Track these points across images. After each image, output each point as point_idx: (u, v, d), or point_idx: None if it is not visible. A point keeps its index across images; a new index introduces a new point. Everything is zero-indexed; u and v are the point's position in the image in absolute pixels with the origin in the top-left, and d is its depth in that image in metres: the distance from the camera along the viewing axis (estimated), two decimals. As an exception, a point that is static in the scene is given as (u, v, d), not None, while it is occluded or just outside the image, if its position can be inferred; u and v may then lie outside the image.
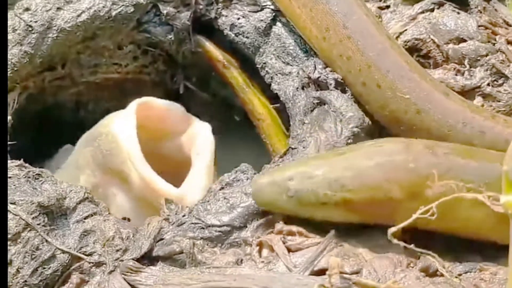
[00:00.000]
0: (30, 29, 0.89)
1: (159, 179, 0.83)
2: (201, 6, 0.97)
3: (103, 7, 0.92)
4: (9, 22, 0.89)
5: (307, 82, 0.87)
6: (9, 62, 0.88)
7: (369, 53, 0.83)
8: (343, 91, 0.85)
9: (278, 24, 0.93)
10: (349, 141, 0.81)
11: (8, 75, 0.88)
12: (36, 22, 0.90)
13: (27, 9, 0.90)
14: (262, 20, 0.94)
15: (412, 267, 0.67)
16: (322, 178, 0.69)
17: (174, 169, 0.90)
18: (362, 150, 0.72)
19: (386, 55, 0.83)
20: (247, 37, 0.95)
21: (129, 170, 0.84)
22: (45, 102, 0.99)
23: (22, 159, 0.78)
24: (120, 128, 0.86)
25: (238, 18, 0.96)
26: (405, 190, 0.67)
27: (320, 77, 0.87)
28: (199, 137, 0.93)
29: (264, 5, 0.94)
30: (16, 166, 0.75)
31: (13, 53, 0.88)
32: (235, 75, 0.98)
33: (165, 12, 0.94)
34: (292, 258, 0.68)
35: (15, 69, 0.89)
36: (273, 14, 0.93)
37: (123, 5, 0.92)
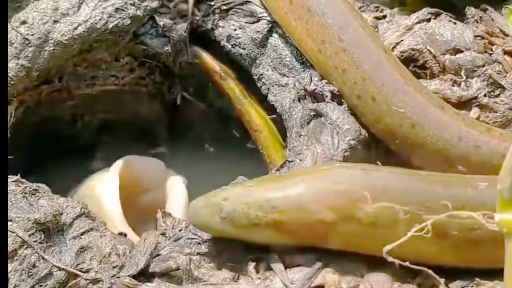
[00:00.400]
0: (27, 42, 0.90)
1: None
2: (197, 17, 0.98)
3: (100, 19, 0.92)
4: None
5: (303, 94, 0.88)
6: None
7: (364, 66, 0.83)
8: (340, 103, 0.85)
9: (275, 35, 0.94)
10: (346, 153, 0.82)
11: None
12: (33, 35, 0.90)
13: (24, 22, 0.91)
14: (258, 32, 0.94)
15: (410, 282, 0.67)
16: (254, 199, 0.68)
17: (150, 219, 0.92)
18: (298, 174, 0.72)
19: (381, 68, 0.83)
20: (243, 48, 0.95)
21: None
22: (42, 115, 1.00)
23: (18, 174, 0.78)
24: (104, 191, 0.90)
25: (235, 29, 0.96)
26: (336, 212, 0.67)
27: (316, 89, 0.87)
28: (172, 191, 0.97)
29: (261, 17, 0.94)
30: (13, 181, 0.76)
31: (10, 66, 0.89)
32: (232, 86, 0.98)
33: (161, 23, 0.95)
34: (289, 274, 0.68)
35: (12, 82, 0.89)
36: (270, 25, 0.94)
37: (119, 17, 0.93)
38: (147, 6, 0.94)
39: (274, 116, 0.96)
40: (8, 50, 0.89)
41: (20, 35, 0.89)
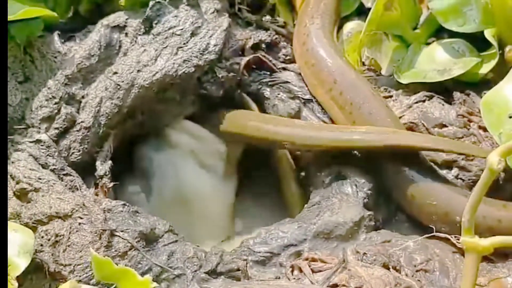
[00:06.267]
0: (118, 87, 1.09)
1: None
2: (245, 77, 1.20)
3: (172, 68, 1.11)
4: (102, 83, 1.09)
5: None
6: (103, 113, 1.08)
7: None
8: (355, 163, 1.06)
9: (306, 110, 1.16)
10: (365, 200, 1.03)
11: (104, 122, 1.08)
12: (122, 82, 1.09)
13: (115, 73, 1.11)
14: (293, 109, 1.16)
15: (398, 286, 0.90)
16: None
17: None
18: None
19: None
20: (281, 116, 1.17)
21: None
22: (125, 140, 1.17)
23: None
24: None
25: (276, 102, 1.19)
26: None
27: None
28: None
29: (296, 95, 1.18)
30: (120, 205, 0.99)
31: (107, 105, 1.08)
32: None
33: (220, 75, 1.16)
34: (315, 276, 0.91)
35: (109, 117, 1.09)
36: (303, 102, 1.17)
37: (186, 66, 1.11)
38: (206, 58, 1.13)
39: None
40: (105, 94, 1.09)
41: (113, 82, 1.09)
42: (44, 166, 1.05)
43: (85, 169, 1.09)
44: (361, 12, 1.27)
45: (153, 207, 1.18)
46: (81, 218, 0.97)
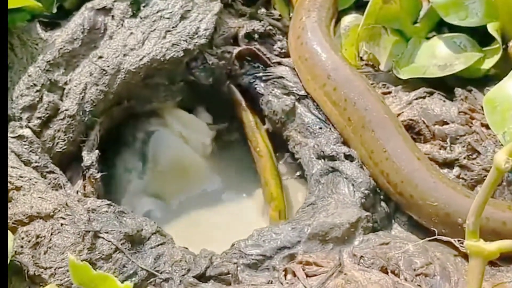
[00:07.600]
0: (104, 72, 1.07)
1: None
2: (236, 67, 1.17)
3: (160, 52, 1.10)
4: (87, 68, 1.08)
5: (322, 155, 1.06)
6: (89, 100, 1.06)
7: (403, 171, 1.00)
8: (351, 161, 1.05)
9: (300, 106, 1.14)
10: (362, 200, 0.99)
11: (89, 109, 1.06)
12: (108, 66, 1.07)
13: (100, 57, 1.09)
14: (287, 105, 1.14)
15: None
16: None
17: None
18: None
19: (416, 173, 0.99)
20: (275, 115, 1.15)
21: None
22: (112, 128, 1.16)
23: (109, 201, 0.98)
24: None
25: (270, 98, 1.16)
26: None
27: (331, 149, 1.07)
28: None
29: (291, 90, 1.15)
30: (106, 204, 0.96)
31: (92, 92, 1.07)
32: (248, 117, 1.19)
33: (210, 62, 1.14)
34: (309, 281, 0.88)
35: (94, 104, 1.06)
36: (298, 98, 1.14)
37: (175, 50, 1.11)
38: (196, 42, 1.12)
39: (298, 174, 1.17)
40: (89, 79, 1.07)
41: (98, 67, 1.08)
42: (27, 163, 1.02)
43: (71, 160, 1.06)
44: (359, 5, 1.25)
45: (149, 174, 1.16)
46: (64, 218, 0.94)
